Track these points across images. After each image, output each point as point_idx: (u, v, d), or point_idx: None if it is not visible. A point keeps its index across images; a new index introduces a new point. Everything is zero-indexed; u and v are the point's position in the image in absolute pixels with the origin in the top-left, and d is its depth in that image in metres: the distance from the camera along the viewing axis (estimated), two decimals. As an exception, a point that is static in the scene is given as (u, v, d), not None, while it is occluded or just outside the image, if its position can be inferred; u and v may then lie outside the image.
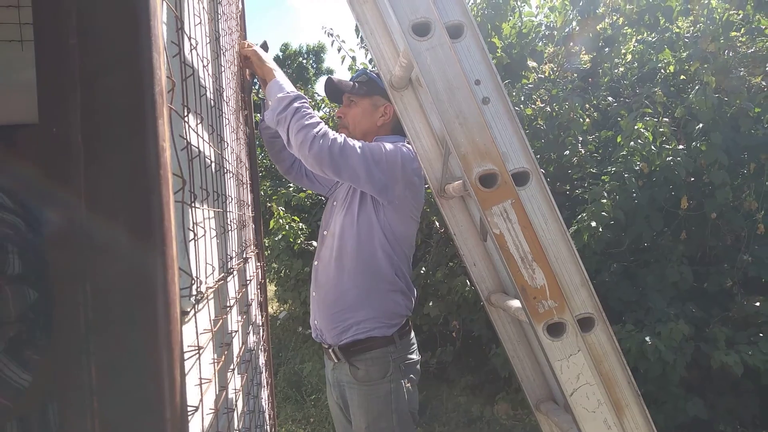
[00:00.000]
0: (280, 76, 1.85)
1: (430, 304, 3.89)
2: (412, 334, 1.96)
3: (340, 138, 1.73)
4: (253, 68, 1.91)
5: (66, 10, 0.53)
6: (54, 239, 0.54)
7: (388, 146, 1.81)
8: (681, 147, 3.14)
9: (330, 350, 1.89)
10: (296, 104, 1.74)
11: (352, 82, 2.00)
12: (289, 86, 1.82)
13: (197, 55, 0.87)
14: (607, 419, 1.24)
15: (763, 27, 3.46)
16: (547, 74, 4.00)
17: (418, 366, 1.94)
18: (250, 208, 1.94)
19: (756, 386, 3.08)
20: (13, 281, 0.96)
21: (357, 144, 1.76)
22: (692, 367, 3.02)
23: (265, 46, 1.99)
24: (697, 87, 3.23)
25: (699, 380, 3.14)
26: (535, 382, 1.65)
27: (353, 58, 4.83)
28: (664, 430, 2.97)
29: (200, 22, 0.94)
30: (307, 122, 1.71)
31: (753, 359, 2.81)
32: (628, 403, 1.27)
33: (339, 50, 4.83)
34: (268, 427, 2.03)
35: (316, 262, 1.99)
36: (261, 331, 2.05)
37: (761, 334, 3.00)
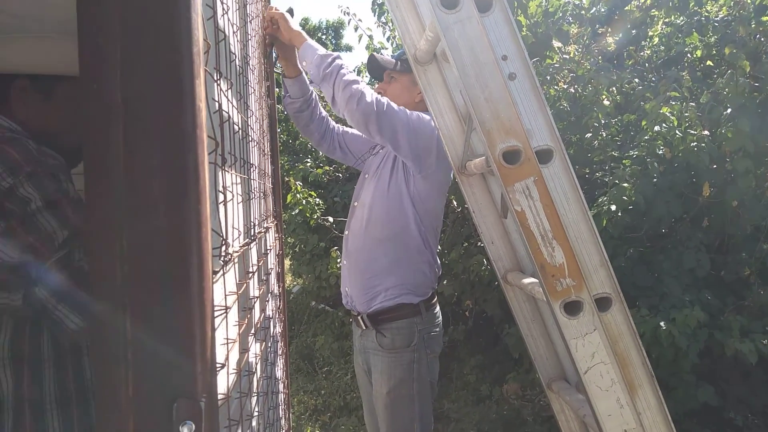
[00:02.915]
0: (310, 39, 1.86)
1: (444, 282, 3.91)
2: (438, 308, 2.02)
3: (385, 99, 1.79)
4: (280, 31, 1.89)
5: (108, -31, 0.54)
6: (92, 195, 0.56)
7: (426, 117, 1.85)
8: (706, 133, 3.09)
9: (359, 317, 1.96)
10: (339, 62, 1.79)
11: (394, 60, 2.04)
12: (323, 48, 1.85)
13: (228, 20, 0.87)
14: (620, 398, 1.25)
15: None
16: (572, 55, 3.94)
17: (441, 339, 2.01)
18: (270, 179, 1.96)
19: (768, 376, 3.07)
20: (72, 201, 1.02)
21: (400, 109, 1.81)
22: (705, 355, 3.01)
23: (291, 12, 1.98)
24: (728, 72, 3.16)
25: (711, 367, 3.14)
26: (548, 361, 1.66)
27: (370, 37, 4.79)
28: (674, 416, 2.96)
29: (231, -12, 0.95)
30: (353, 78, 1.76)
31: (767, 348, 2.80)
32: (642, 383, 1.28)
33: (356, 29, 4.79)
34: (282, 395, 2.07)
35: (346, 232, 2.05)
36: (278, 301, 2.08)
37: (777, 324, 2.98)
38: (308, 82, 2.12)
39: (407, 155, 1.84)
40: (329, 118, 2.24)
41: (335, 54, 1.82)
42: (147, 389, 0.55)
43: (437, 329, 1.98)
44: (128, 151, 0.54)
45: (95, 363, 0.56)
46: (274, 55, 2.12)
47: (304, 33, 1.89)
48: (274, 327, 1.84)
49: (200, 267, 0.55)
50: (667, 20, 4.02)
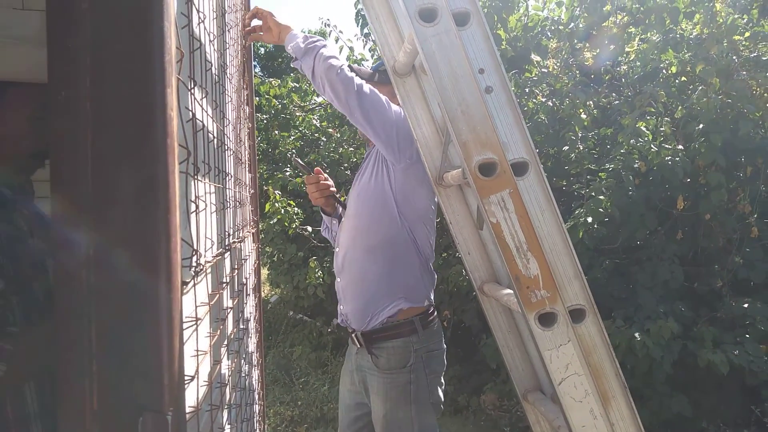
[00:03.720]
0: (298, 31, 1.85)
1: (422, 293, 3.91)
2: (438, 324, 1.93)
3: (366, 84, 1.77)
4: (269, 30, 1.85)
5: (79, -25, 0.53)
6: (59, 204, 0.54)
7: None
8: (680, 147, 3.16)
9: (354, 335, 1.89)
10: (323, 42, 1.79)
11: (372, 71, 1.99)
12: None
13: (204, 29, 0.87)
14: (593, 409, 1.26)
15: (767, 33, 3.47)
16: (550, 69, 3.99)
17: (444, 357, 1.91)
18: (248, 188, 1.95)
19: (739, 386, 3.12)
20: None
21: (383, 96, 1.77)
22: (678, 365, 3.05)
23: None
24: (700, 88, 3.23)
25: (684, 378, 3.18)
26: (523, 372, 1.67)
27: (351, 48, 4.82)
28: (649, 427, 3.00)
29: (208, -3, 0.94)
30: (335, 54, 1.75)
31: (739, 359, 2.85)
32: (615, 394, 1.29)
33: (336, 41, 4.81)
34: (257, 406, 2.04)
35: (337, 249, 1.98)
36: (254, 311, 2.06)
37: (747, 335, 3.03)
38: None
39: (383, 140, 1.76)
40: None
41: (321, 38, 1.82)
42: (112, 403, 0.53)
43: (437, 347, 1.88)
44: (96, 159, 0.53)
45: (59, 375, 0.54)
46: (255, 65, 2.12)
47: (292, 25, 1.86)
48: (250, 337, 1.82)
49: (168, 278, 0.54)
50: (643, 37, 4.10)
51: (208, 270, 0.85)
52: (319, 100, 5.70)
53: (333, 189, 2.08)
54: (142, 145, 0.53)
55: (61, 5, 0.54)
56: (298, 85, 5.76)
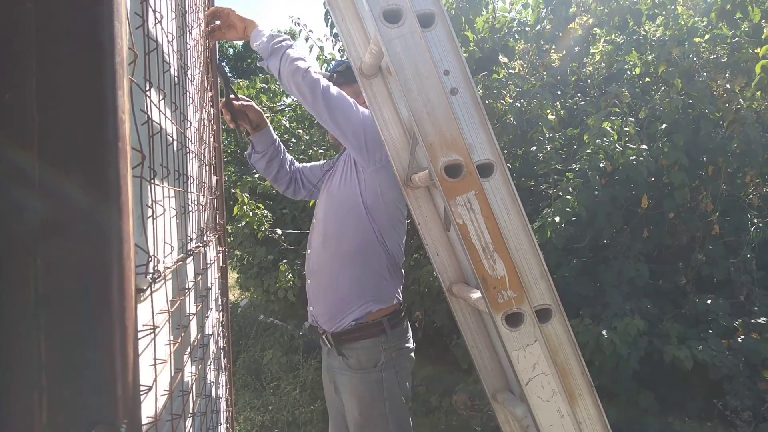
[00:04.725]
0: (263, 26, 1.82)
1: (394, 294, 3.91)
2: (407, 322, 1.95)
3: (334, 87, 1.75)
4: (232, 27, 1.82)
5: (22, -27, 0.51)
6: (4, 210, 0.52)
7: None
8: (644, 147, 3.22)
9: (324, 336, 1.89)
10: (289, 42, 1.77)
11: (329, 73, 1.96)
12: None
13: (162, 29, 0.85)
14: (560, 408, 1.27)
15: (725, 35, 3.56)
16: (517, 70, 4.03)
17: (413, 354, 1.93)
18: (213, 190, 1.92)
19: (703, 380, 3.19)
20: None
21: (350, 98, 1.77)
22: (645, 362, 3.11)
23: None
24: (663, 89, 3.30)
25: (651, 374, 3.24)
26: (492, 371, 1.68)
27: (321, 48, 4.79)
28: (616, 423, 3.04)
29: (166, -3, 0.92)
30: (301, 56, 1.74)
31: (702, 354, 2.91)
32: (582, 393, 1.30)
33: (306, 40, 4.78)
34: (224, 413, 2.01)
35: (308, 251, 1.98)
36: (221, 316, 2.02)
37: (710, 331, 3.11)
38: (272, 131, 2.12)
39: (352, 143, 1.76)
40: (293, 159, 2.25)
41: (288, 37, 1.79)
42: (62, 416, 0.51)
43: (407, 344, 1.91)
44: (44, 164, 0.51)
45: (4, 389, 0.52)
46: (226, 68, 2.09)
47: (256, 20, 1.83)
48: (216, 343, 1.79)
49: (121, 285, 0.52)
50: (608, 38, 4.17)
51: (168, 276, 0.83)
52: (288, 101, 5.66)
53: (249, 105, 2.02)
54: (92, 149, 0.52)
55: (3, 3, 0.51)
56: (266, 86, 5.71)
